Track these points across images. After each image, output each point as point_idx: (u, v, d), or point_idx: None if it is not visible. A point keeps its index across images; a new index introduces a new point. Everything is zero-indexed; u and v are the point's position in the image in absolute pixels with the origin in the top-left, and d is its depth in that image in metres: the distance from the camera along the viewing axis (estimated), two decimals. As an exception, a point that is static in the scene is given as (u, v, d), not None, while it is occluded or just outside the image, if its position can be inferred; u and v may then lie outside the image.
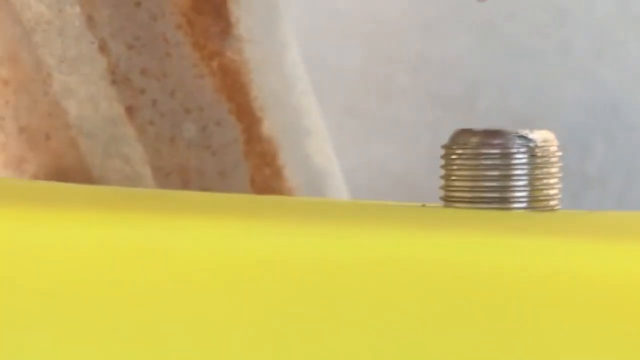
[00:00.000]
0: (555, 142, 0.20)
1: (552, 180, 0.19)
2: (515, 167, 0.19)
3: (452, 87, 0.43)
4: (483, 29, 0.43)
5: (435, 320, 0.16)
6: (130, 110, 0.25)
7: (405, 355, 0.16)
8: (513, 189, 0.19)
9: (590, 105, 0.43)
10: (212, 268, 0.17)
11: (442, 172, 0.20)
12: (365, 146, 0.43)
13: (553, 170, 0.20)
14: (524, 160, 0.19)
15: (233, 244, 0.17)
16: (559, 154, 0.20)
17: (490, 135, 0.19)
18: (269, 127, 0.26)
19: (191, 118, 0.25)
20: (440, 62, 0.43)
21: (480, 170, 0.19)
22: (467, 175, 0.19)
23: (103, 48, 0.25)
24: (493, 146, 0.19)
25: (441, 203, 0.20)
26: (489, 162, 0.19)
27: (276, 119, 0.27)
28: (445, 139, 0.20)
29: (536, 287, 0.16)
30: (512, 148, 0.19)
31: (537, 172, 0.19)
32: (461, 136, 0.20)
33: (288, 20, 0.27)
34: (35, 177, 0.26)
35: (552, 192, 0.20)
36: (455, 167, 0.19)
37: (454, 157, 0.20)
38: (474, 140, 0.19)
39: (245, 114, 0.26)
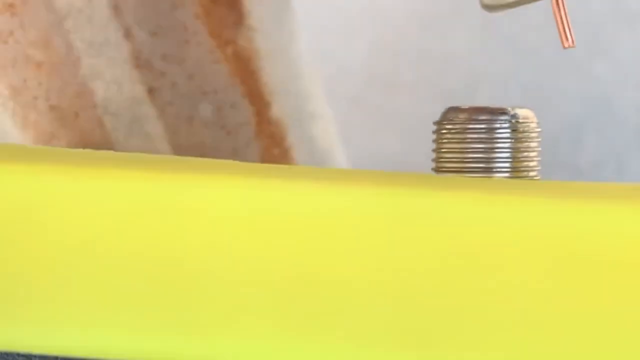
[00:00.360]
0: (535, 119, 0.22)
1: (532, 153, 0.22)
2: (499, 140, 0.21)
3: (453, 82, 0.45)
4: (483, 26, 0.45)
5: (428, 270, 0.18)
6: (151, 92, 0.27)
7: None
8: (496, 160, 0.21)
9: (584, 100, 0.45)
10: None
11: (434, 146, 0.22)
12: (370, 137, 0.45)
13: (533, 144, 0.22)
14: (506, 135, 0.21)
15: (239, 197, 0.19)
16: (539, 129, 0.22)
17: (477, 111, 0.22)
18: (277, 110, 0.29)
19: (208, 99, 0.28)
20: (442, 58, 0.45)
21: (467, 144, 0.21)
22: (456, 148, 0.21)
23: (128, 34, 0.27)
24: (479, 122, 0.21)
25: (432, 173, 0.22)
26: (474, 136, 0.21)
27: (284, 104, 0.29)
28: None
29: (515, 240, 0.18)
30: (496, 123, 0.21)
31: (519, 145, 0.21)
32: (450, 113, 0.22)
33: (296, 12, 0.30)
34: (64, 153, 0.28)
35: (532, 164, 0.22)
36: (445, 140, 0.22)
37: (444, 132, 0.22)
38: (462, 116, 0.22)
39: (257, 97, 0.28)
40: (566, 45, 0.22)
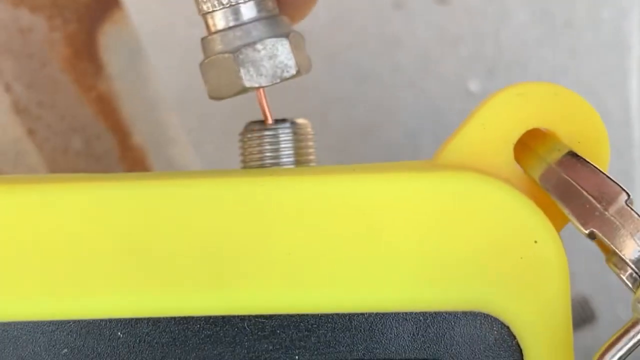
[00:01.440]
0: (310, 125, 0.28)
1: (309, 150, 0.28)
2: (284, 141, 0.28)
3: (308, 107, 0.51)
4: (329, 57, 0.51)
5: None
6: (31, 132, 0.33)
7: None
8: (283, 155, 0.28)
9: (419, 112, 0.51)
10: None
11: (240, 150, 0.28)
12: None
13: (309, 143, 0.28)
14: (289, 137, 0.28)
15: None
16: (312, 132, 0.28)
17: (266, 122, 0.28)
18: (138, 138, 0.35)
19: (78, 134, 0.34)
20: (297, 86, 0.51)
21: (262, 145, 0.28)
22: (255, 150, 0.28)
23: (8, 88, 0.33)
24: (268, 129, 0.28)
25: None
26: (267, 140, 0.28)
27: (143, 133, 0.35)
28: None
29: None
30: (280, 129, 0.28)
31: (299, 144, 0.28)
32: (250, 125, 0.28)
33: (149, 58, 0.36)
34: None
35: (310, 157, 0.28)
36: (247, 146, 0.28)
37: (245, 140, 0.28)
38: (257, 126, 0.28)
39: (118, 129, 0.35)
40: (268, 122, 0.27)
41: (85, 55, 0.34)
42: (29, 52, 0.33)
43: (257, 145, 0.28)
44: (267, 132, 0.28)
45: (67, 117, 0.33)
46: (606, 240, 0.22)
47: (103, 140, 0.34)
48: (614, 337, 0.21)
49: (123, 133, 0.34)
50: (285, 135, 0.28)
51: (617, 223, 0.21)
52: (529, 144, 0.25)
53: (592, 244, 0.46)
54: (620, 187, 0.22)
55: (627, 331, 0.20)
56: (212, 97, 0.27)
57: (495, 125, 0.25)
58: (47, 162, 0.33)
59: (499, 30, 0.51)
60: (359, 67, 0.51)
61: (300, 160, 0.28)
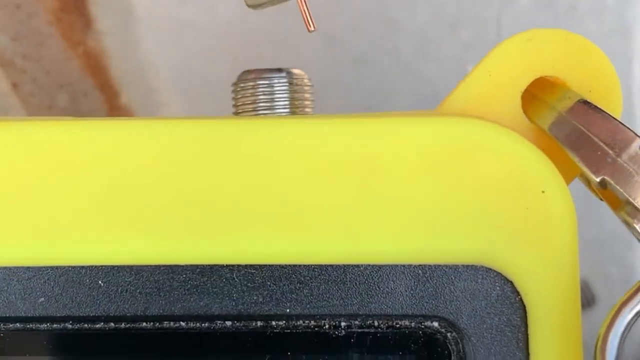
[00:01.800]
0: (306, 76, 0.27)
1: (306, 102, 0.27)
2: (279, 91, 0.26)
3: None
4: (328, 41, 0.51)
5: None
6: (15, 86, 0.32)
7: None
8: (278, 106, 0.26)
9: (417, 97, 0.50)
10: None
11: (233, 100, 0.27)
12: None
13: (307, 95, 0.27)
14: (284, 87, 0.26)
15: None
16: (310, 84, 0.27)
17: (262, 72, 0.27)
18: (126, 99, 0.34)
19: (64, 90, 0.33)
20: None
21: (256, 95, 0.26)
22: (249, 100, 0.27)
23: (-8, 40, 0.32)
24: (265, 79, 0.27)
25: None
26: (261, 89, 0.26)
27: (132, 94, 0.34)
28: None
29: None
30: (275, 79, 0.26)
31: (295, 95, 0.27)
32: (244, 74, 0.27)
33: (141, 19, 0.35)
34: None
35: (307, 109, 0.27)
36: (240, 95, 0.27)
37: (239, 89, 0.27)
38: (252, 75, 0.27)
39: (107, 87, 0.33)
40: (310, 29, 0.26)
41: (73, 8, 0.32)
42: (16, 3, 0.32)
43: (251, 95, 0.26)
44: (261, 81, 0.26)
45: (53, 72, 0.32)
46: (618, 187, 0.20)
47: (90, 98, 0.33)
48: (632, 291, 0.19)
49: (111, 92, 0.33)
50: (280, 85, 0.26)
51: (631, 169, 0.20)
52: (537, 93, 0.23)
53: (589, 231, 0.44)
54: (634, 133, 0.21)
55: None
56: (250, 5, 0.26)
57: (502, 73, 0.23)
58: (31, 119, 0.32)
59: (500, 15, 0.50)
60: (358, 50, 0.50)
61: (297, 112, 0.26)
